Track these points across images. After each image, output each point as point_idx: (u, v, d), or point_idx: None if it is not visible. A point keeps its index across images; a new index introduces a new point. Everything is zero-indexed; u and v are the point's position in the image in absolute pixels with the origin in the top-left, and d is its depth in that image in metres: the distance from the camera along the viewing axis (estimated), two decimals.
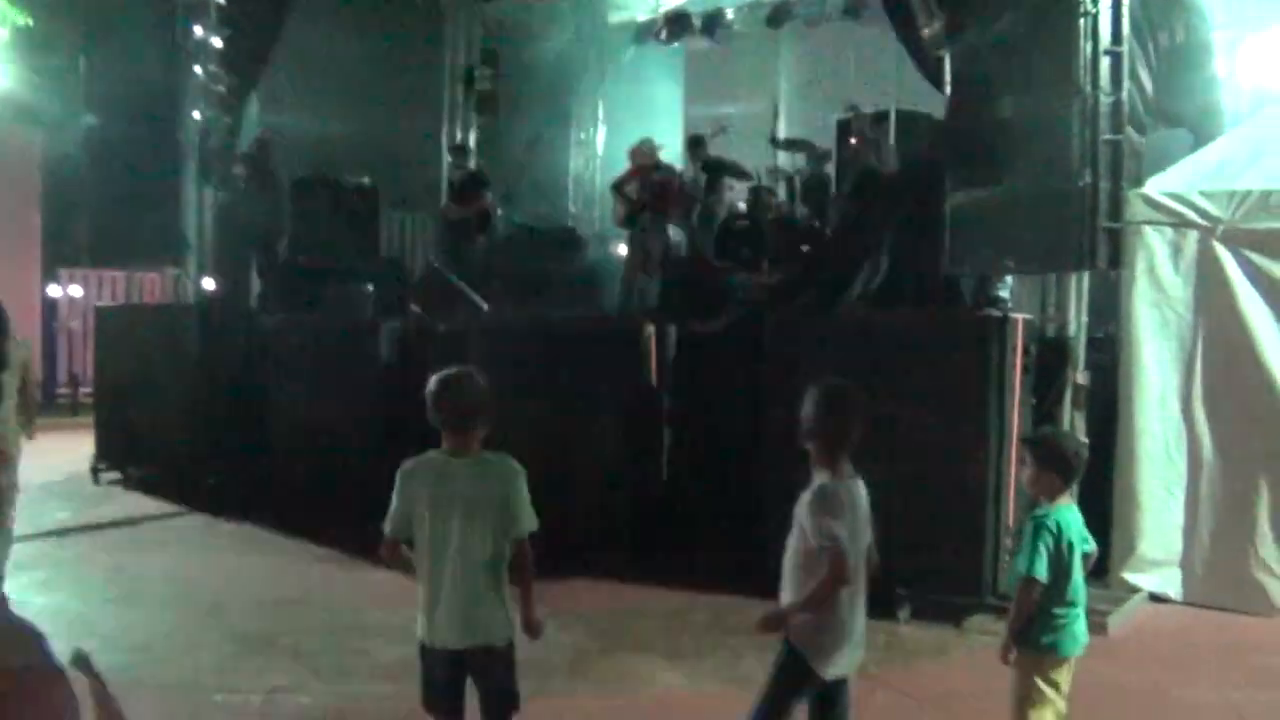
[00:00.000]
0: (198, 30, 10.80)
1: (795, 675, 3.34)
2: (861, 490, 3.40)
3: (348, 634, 5.72)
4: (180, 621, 5.98)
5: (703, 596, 6.26)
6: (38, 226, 16.42)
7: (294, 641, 5.61)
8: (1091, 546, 3.75)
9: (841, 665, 3.36)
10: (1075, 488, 3.77)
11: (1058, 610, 3.60)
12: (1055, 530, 3.57)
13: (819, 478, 3.34)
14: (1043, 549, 3.54)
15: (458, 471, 3.34)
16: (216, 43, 10.82)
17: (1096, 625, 5.66)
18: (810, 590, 3.24)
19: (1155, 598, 6.29)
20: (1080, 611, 3.68)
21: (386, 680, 4.99)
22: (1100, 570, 6.34)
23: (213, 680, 5.05)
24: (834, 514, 3.23)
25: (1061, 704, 3.72)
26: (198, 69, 10.82)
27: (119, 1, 13.54)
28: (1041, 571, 3.53)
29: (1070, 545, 3.60)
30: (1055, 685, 3.65)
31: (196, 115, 10.84)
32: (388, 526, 3.40)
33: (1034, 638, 3.61)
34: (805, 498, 3.32)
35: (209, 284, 10.96)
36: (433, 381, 3.40)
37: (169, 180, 11.28)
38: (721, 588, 6.23)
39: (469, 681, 3.42)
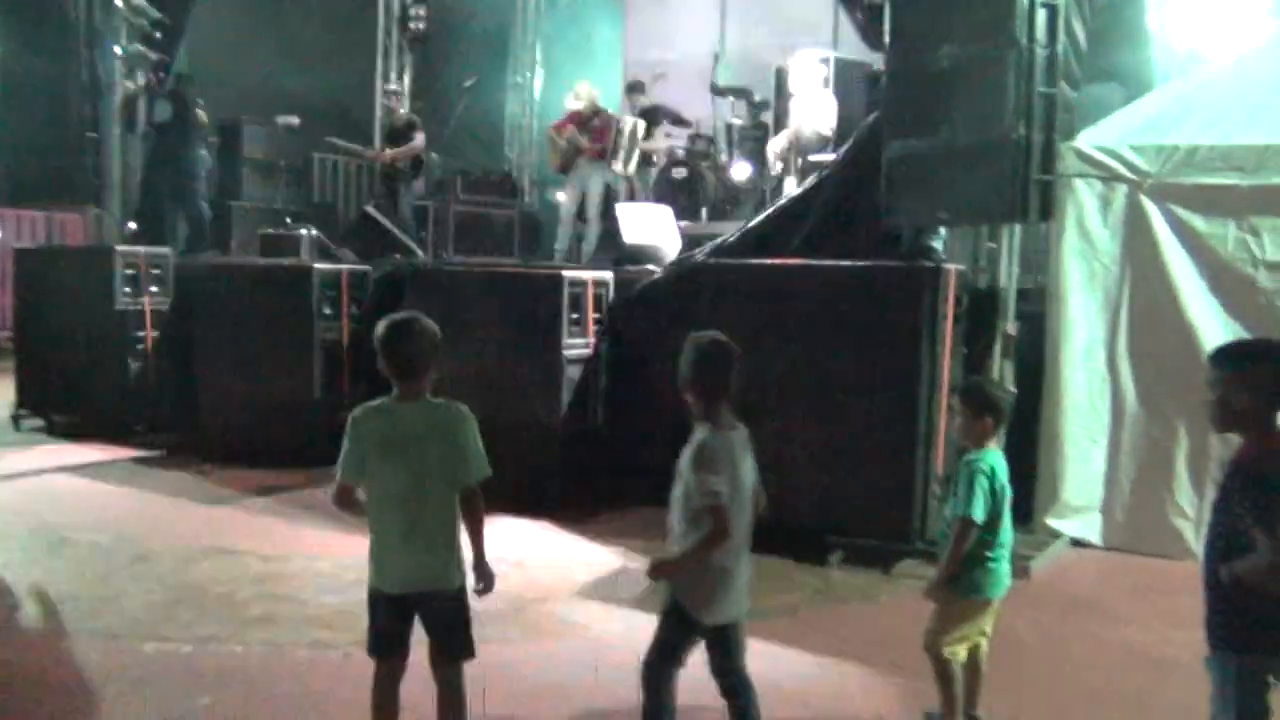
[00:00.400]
0: None
1: (680, 624, 3.40)
2: (743, 438, 3.43)
3: (280, 582, 5.66)
4: (108, 571, 5.87)
5: (637, 543, 6.29)
6: None
7: (226, 590, 5.55)
8: (1011, 491, 3.83)
9: (725, 613, 3.40)
10: (1002, 435, 3.86)
11: (989, 553, 3.70)
12: (989, 473, 3.67)
13: (699, 431, 3.35)
14: (979, 491, 3.64)
15: (406, 417, 3.32)
16: None
17: (1019, 570, 5.87)
18: (692, 544, 3.27)
19: (1077, 543, 6.48)
20: (1005, 553, 3.78)
21: (320, 627, 4.96)
22: (1024, 516, 6.53)
23: (142, 630, 4.96)
24: (713, 469, 3.25)
25: (984, 643, 3.85)
26: (119, 2, 10.41)
27: None
28: (979, 513, 3.63)
29: (1002, 488, 3.70)
30: (975, 624, 3.78)
31: (118, 50, 10.44)
32: (339, 472, 3.36)
33: (963, 579, 3.71)
34: (686, 452, 3.33)
35: (133, 225, 10.67)
36: (381, 327, 3.35)
37: (90, 118, 10.90)
38: (657, 537, 6.27)
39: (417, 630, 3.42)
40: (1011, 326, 6.37)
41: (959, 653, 3.78)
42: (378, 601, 3.40)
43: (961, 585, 3.71)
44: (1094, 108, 7.03)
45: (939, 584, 3.74)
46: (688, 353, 3.42)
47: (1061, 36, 6.06)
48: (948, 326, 6.06)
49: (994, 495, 3.66)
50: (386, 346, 3.32)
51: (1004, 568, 3.77)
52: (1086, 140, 6.52)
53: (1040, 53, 5.91)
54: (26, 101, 14.90)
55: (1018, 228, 6.38)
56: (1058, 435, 6.49)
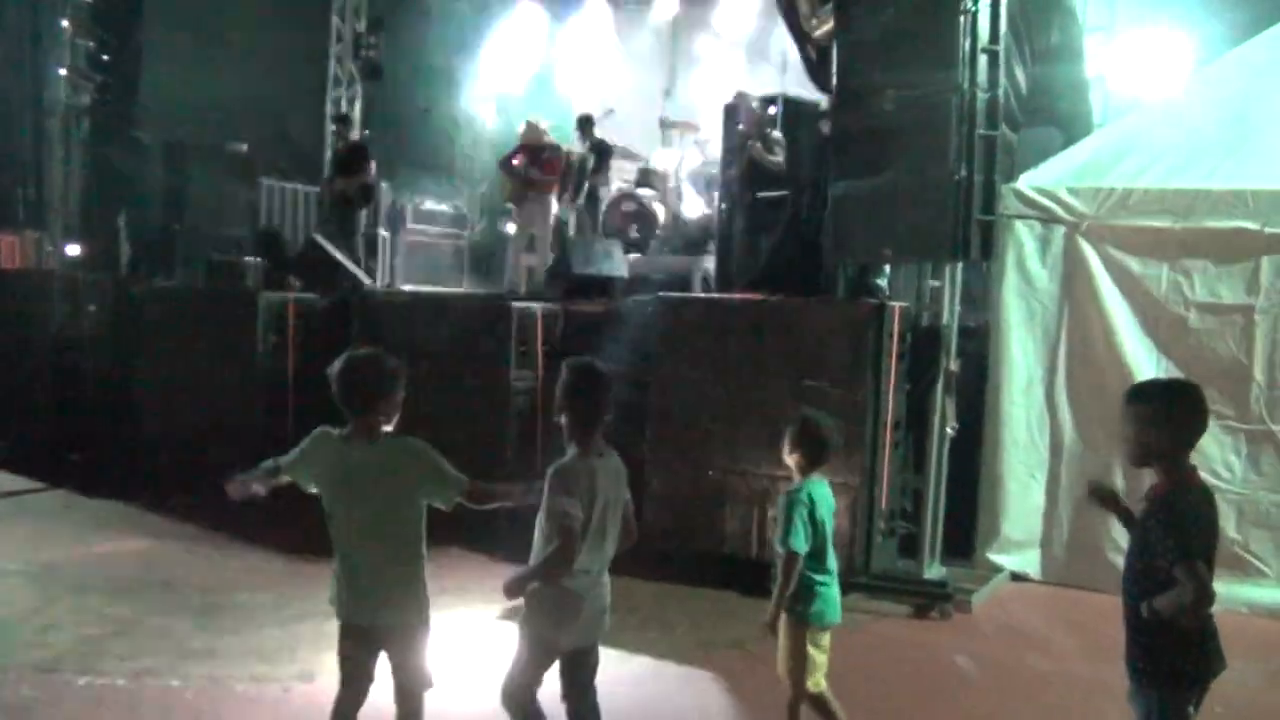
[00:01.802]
0: None
1: (533, 643, 3.41)
2: (614, 465, 3.46)
3: (220, 615, 5.57)
4: (40, 603, 5.72)
5: None
6: None
7: (163, 623, 5.44)
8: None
9: (578, 635, 3.43)
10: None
11: (818, 578, 3.84)
12: (809, 503, 3.81)
13: (567, 453, 3.39)
14: (799, 522, 3.77)
15: (357, 455, 3.30)
16: None
17: (962, 604, 5.98)
18: (537, 564, 3.31)
19: (1017, 577, 6.58)
20: (833, 578, 3.91)
21: (260, 661, 4.89)
22: (965, 550, 6.64)
23: (76, 663, 4.85)
24: (568, 491, 3.26)
25: (824, 663, 3.94)
26: (64, 22, 10.29)
27: None
28: (800, 545, 3.76)
29: (823, 518, 3.84)
30: (823, 648, 3.89)
31: (62, 72, 10.31)
32: (279, 462, 3.39)
33: (801, 607, 3.82)
34: (549, 472, 3.36)
35: (73, 249, 10.49)
36: (338, 362, 3.33)
37: (30, 139, 10.74)
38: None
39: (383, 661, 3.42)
40: (954, 363, 6.49)
41: (820, 681, 3.89)
42: (341, 630, 3.40)
43: (803, 612, 3.83)
44: (1034, 150, 7.22)
45: (773, 617, 3.82)
46: (562, 377, 3.44)
47: (1003, 81, 6.24)
48: (892, 363, 6.16)
49: (814, 524, 3.80)
50: (341, 381, 3.29)
51: (834, 593, 3.90)
52: (1026, 182, 6.69)
53: (982, 96, 6.09)
54: None
55: (960, 266, 6.51)
56: (998, 471, 6.61)
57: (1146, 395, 3.09)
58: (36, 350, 9.26)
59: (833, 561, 3.90)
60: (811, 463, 3.90)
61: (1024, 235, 6.63)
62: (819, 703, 3.90)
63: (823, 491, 3.88)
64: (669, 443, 6.57)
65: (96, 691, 4.57)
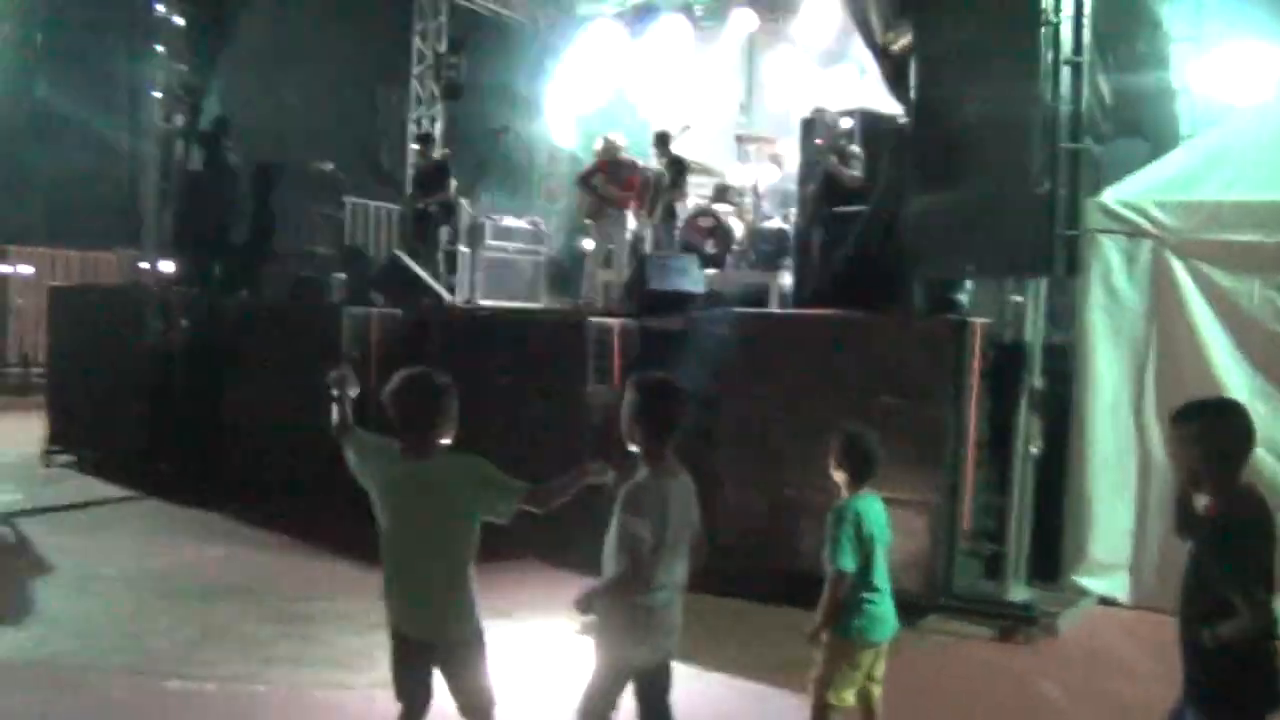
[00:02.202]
0: (159, 7, 10.64)
1: (607, 662, 3.39)
2: (685, 484, 3.42)
3: (301, 622, 5.69)
4: (133, 608, 5.92)
5: None
6: None
7: (248, 629, 5.58)
8: (889, 539, 3.94)
9: (651, 653, 3.40)
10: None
11: (865, 595, 3.79)
12: (855, 520, 3.77)
13: (640, 473, 3.35)
14: (845, 540, 3.74)
15: (411, 472, 3.34)
16: (179, 21, 10.66)
17: (1046, 627, 5.84)
18: (606, 583, 3.30)
19: (1105, 601, 6.41)
20: (886, 596, 3.86)
21: (341, 669, 4.98)
22: (1051, 573, 6.49)
23: (166, 667, 5.00)
24: (637, 512, 3.24)
25: (877, 690, 3.90)
26: (159, 47, 10.66)
27: None
28: (846, 562, 3.72)
29: (871, 534, 3.79)
30: (859, 668, 3.83)
31: (157, 95, 10.67)
32: (354, 429, 3.54)
33: (844, 623, 3.78)
34: (621, 491, 3.33)
35: (167, 266, 10.83)
36: (393, 380, 3.39)
37: (127, 159, 11.13)
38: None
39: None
40: (1038, 381, 6.36)
41: (846, 698, 3.83)
42: (393, 640, 3.43)
43: (843, 629, 3.78)
44: (1120, 163, 7.06)
45: (816, 632, 3.79)
46: (631, 394, 3.40)
47: (1086, 93, 6.12)
48: (973, 380, 6.06)
49: (860, 540, 3.75)
50: (394, 400, 3.35)
51: (883, 610, 3.84)
52: (1112, 196, 6.54)
53: (1065, 109, 5.98)
54: (65, 144, 15.26)
55: (1044, 282, 6.39)
56: (1085, 492, 6.45)
57: (1185, 416, 3.03)
58: (130, 363, 9.58)
59: (882, 579, 3.84)
60: (858, 478, 3.88)
61: (1110, 250, 6.48)
62: (820, 716, 3.84)
63: (871, 507, 3.85)
64: (744, 459, 6.55)
65: (185, 696, 4.70)
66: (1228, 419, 2.98)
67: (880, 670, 3.92)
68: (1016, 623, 5.89)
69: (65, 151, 15.63)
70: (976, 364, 6.06)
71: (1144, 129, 8.27)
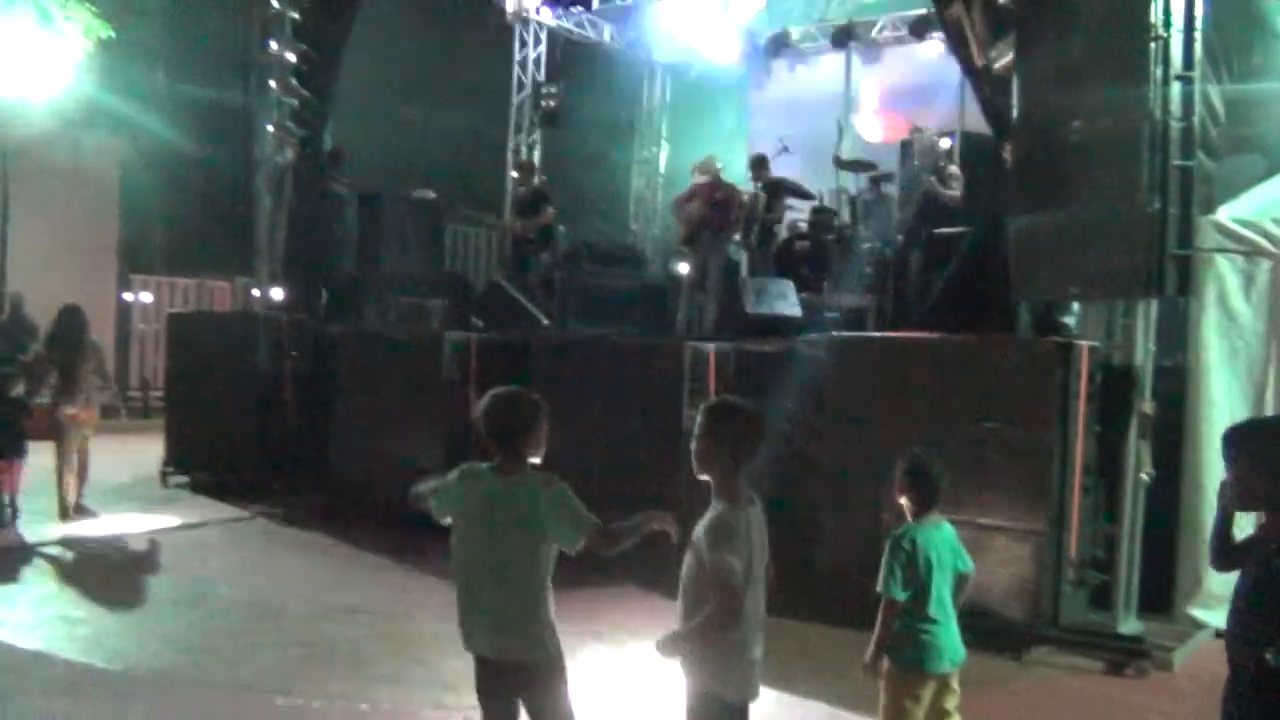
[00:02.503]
0: (273, 45, 11.07)
1: (700, 702, 3.27)
2: (759, 514, 3.28)
3: (406, 643, 5.81)
4: (243, 625, 6.12)
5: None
6: (115, 234, 16.92)
7: (354, 649, 5.71)
8: (966, 566, 3.85)
9: (748, 689, 3.29)
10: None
11: (920, 625, 3.71)
12: (909, 548, 3.71)
13: (716, 505, 3.20)
14: (895, 567, 3.70)
15: (496, 487, 3.39)
16: (291, 58, 11.08)
17: (1160, 661, 5.62)
18: (699, 624, 3.15)
19: (1221, 634, 6.13)
20: (945, 627, 3.75)
21: (444, 690, 5.07)
22: (1164, 604, 6.25)
23: (274, 684, 5.15)
24: (731, 547, 3.10)
25: (920, 715, 3.76)
26: (272, 83, 11.08)
27: (198, 16, 14.01)
28: (895, 590, 3.68)
29: (929, 562, 3.70)
30: (920, 701, 3.72)
31: (270, 129, 11.09)
32: (424, 488, 3.54)
33: (899, 653, 3.72)
34: (702, 526, 3.19)
35: (277, 293, 11.20)
36: (485, 398, 3.48)
37: (241, 191, 11.57)
38: (774, 611, 6.20)
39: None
40: (1148, 405, 6.15)
41: None
42: (476, 663, 3.46)
43: (900, 658, 3.72)
44: (1236, 179, 6.81)
45: (869, 661, 3.74)
46: (702, 420, 3.29)
47: (1198, 108, 5.93)
48: (1081, 405, 5.90)
49: (913, 568, 3.69)
50: (486, 418, 3.43)
51: (941, 640, 3.74)
52: (1227, 213, 6.32)
53: (1175, 125, 5.79)
54: (183, 176, 15.93)
55: (1154, 303, 6.19)
56: (1198, 521, 6.19)
57: (1244, 436, 2.97)
58: (242, 387, 9.93)
59: (940, 608, 3.74)
60: (922, 505, 3.82)
61: (1226, 270, 6.25)
62: None
63: (935, 535, 3.78)
64: (844, 485, 6.47)
65: (292, 712, 4.83)
66: (1263, 435, 2.97)
67: (952, 702, 3.82)
68: (1127, 656, 5.69)
69: (183, 184, 16.34)
70: (1084, 387, 5.89)
71: (1261, 144, 7.96)
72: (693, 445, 3.29)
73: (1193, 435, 6.27)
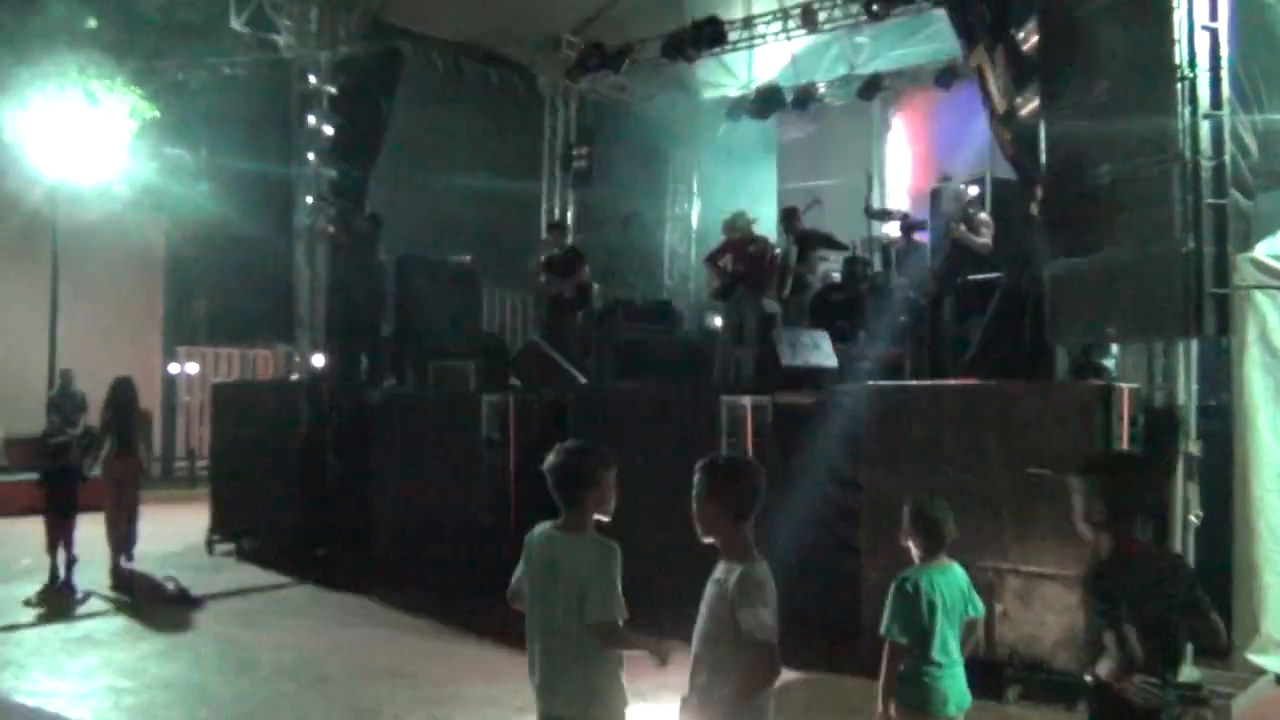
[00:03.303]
0: (311, 120, 11.35)
1: None
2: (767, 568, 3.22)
3: (451, 707, 5.78)
4: (289, 691, 6.13)
5: (799, 675, 6.14)
6: (160, 307, 17.30)
7: (398, 713, 5.70)
8: (977, 611, 3.84)
9: None
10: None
11: (924, 669, 3.69)
12: (912, 591, 3.71)
13: (738, 564, 3.15)
14: (896, 610, 3.71)
15: (555, 547, 3.40)
16: (328, 131, 11.35)
17: (1220, 710, 5.47)
18: (742, 685, 3.09)
19: None
20: (949, 672, 3.73)
21: None
22: (1221, 650, 6.09)
23: None
24: (765, 603, 3.07)
25: None
26: (311, 156, 11.35)
27: (239, 93, 14.40)
28: (894, 632, 3.68)
29: (933, 606, 3.69)
30: None
31: (309, 200, 11.34)
32: (514, 584, 3.49)
33: (903, 697, 3.70)
34: (731, 583, 3.12)
35: (318, 361, 11.36)
36: (552, 453, 3.46)
37: (282, 261, 11.80)
38: (818, 665, 6.14)
39: None
40: (1194, 446, 6.06)
41: None
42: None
43: (904, 701, 3.71)
44: (1273, 216, 6.75)
45: (880, 707, 3.72)
46: (705, 481, 3.25)
47: (1229, 145, 5.91)
48: (1123, 447, 5.82)
49: (916, 612, 3.68)
50: (552, 471, 3.41)
51: (945, 684, 3.71)
52: (1265, 250, 6.25)
53: (1206, 164, 5.77)
54: (225, 249, 16.27)
55: (1194, 343, 6.12)
56: (1252, 562, 6.07)
57: (1086, 467, 3.30)
58: (285, 454, 10.04)
59: (944, 652, 3.71)
60: (928, 549, 3.82)
61: (1265, 307, 6.17)
62: None
63: (942, 578, 3.77)
64: (884, 535, 6.40)
65: None
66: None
67: None
68: (1187, 704, 5.53)
69: (225, 256, 16.70)
70: (1125, 430, 5.82)
71: None
72: (694, 508, 3.25)
73: (1241, 475, 6.15)
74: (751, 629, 3.04)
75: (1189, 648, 5.96)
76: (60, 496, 8.59)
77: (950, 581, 3.80)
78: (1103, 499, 3.16)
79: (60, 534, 8.53)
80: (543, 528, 3.47)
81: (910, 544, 3.87)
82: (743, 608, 3.06)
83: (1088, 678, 3.01)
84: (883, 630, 3.73)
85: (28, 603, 8.12)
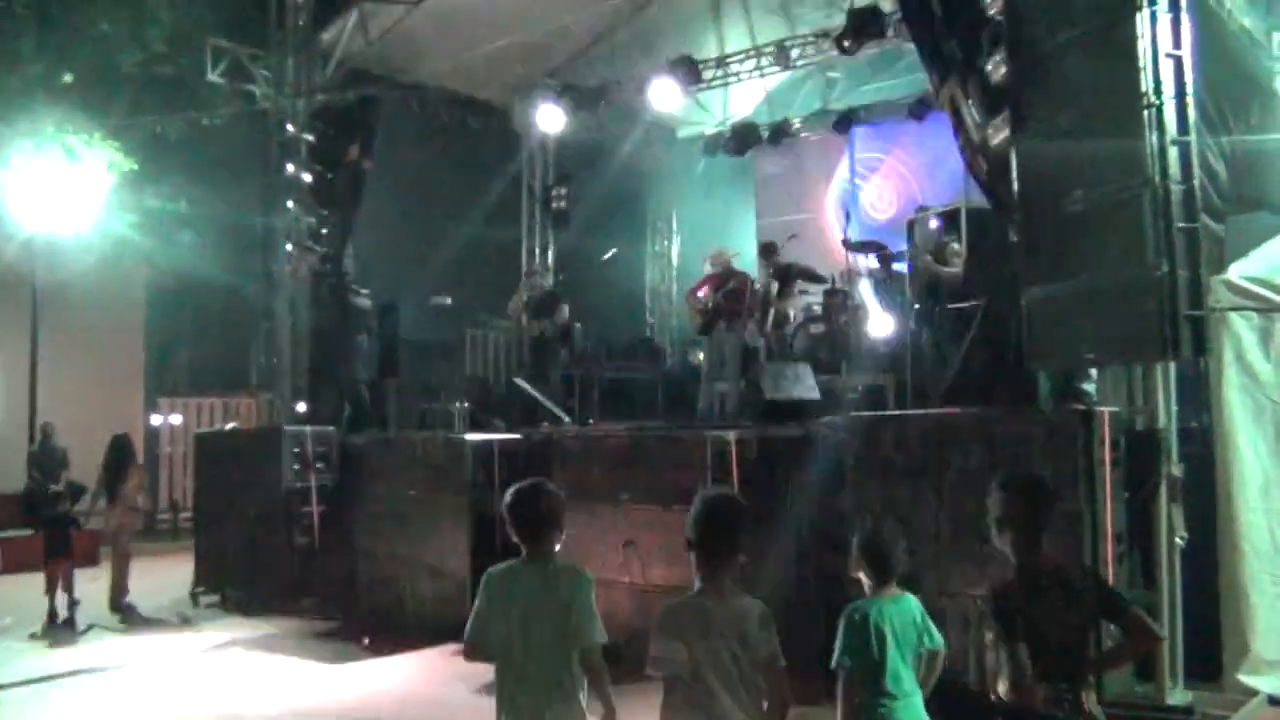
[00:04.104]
0: (289, 168, 11.38)
1: None
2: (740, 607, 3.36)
3: None
4: None
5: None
6: (140, 359, 17.21)
7: None
8: (933, 642, 3.80)
9: None
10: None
11: (877, 701, 3.66)
12: (860, 621, 3.69)
13: (744, 597, 3.31)
14: (845, 641, 3.68)
15: (527, 580, 3.46)
16: (307, 178, 11.38)
17: None
18: (775, 711, 3.23)
19: (1275, 700, 5.96)
20: (903, 704, 3.68)
21: None
22: (1213, 672, 6.08)
23: None
24: (775, 633, 3.26)
25: None
26: (290, 204, 11.36)
27: (217, 143, 14.44)
28: (845, 660, 3.66)
29: (882, 636, 3.66)
30: None
31: (289, 247, 11.33)
32: (466, 630, 3.50)
33: None
34: (754, 614, 3.27)
35: (301, 407, 11.31)
36: (507, 494, 3.58)
37: (263, 309, 11.77)
38: (806, 698, 6.08)
39: None
40: (1176, 468, 6.08)
41: None
42: None
43: None
44: (1247, 237, 6.82)
45: None
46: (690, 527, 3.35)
47: (1197, 171, 5.98)
48: (1106, 472, 5.83)
49: (865, 642, 3.65)
50: (510, 511, 3.54)
51: (899, 715, 3.67)
52: (1237, 272, 6.32)
53: (1176, 188, 5.84)
54: (205, 297, 16.23)
55: (1173, 366, 6.16)
56: (1239, 583, 6.07)
57: (998, 484, 3.51)
58: (269, 503, 9.96)
59: (896, 682, 3.67)
60: (878, 580, 3.80)
61: (1241, 328, 6.23)
62: None
63: (892, 608, 3.73)
64: None
65: None
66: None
67: None
68: None
69: (206, 305, 16.66)
70: (1108, 454, 5.84)
71: (1268, 202, 8.00)
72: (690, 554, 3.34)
73: (1225, 495, 6.17)
74: (775, 658, 3.25)
75: (1177, 669, 6.00)
76: (56, 539, 9.16)
77: (902, 612, 3.76)
78: (1009, 516, 3.34)
79: (59, 574, 8.97)
80: (507, 565, 3.54)
81: (860, 575, 3.84)
82: (769, 638, 3.25)
83: (992, 697, 3.14)
84: (834, 662, 3.69)
85: (33, 636, 8.67)
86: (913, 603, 3.82)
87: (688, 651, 3.16)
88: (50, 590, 8.89)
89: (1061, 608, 3.24)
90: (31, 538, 9.40)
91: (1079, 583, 3.41)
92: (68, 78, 14.89)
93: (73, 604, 8.93)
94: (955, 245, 8.59)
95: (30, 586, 9.26)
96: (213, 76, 11.86)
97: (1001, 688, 3.13)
